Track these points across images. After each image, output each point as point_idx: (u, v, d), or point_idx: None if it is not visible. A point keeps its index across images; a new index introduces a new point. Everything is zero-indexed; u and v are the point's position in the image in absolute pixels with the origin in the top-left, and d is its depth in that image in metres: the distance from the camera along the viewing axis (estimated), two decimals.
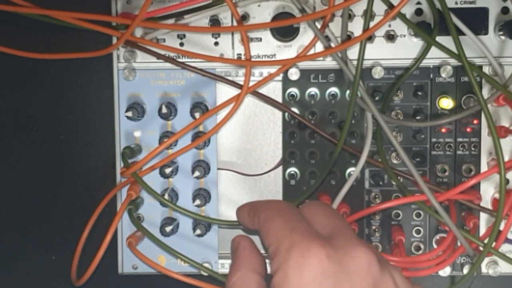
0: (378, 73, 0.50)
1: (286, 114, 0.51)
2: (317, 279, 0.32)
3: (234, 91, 0.51)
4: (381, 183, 0.52)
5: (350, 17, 0.50)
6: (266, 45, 0.51)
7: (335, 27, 0.50)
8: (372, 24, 0.48)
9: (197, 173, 0.51)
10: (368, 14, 0.47)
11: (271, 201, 0.40)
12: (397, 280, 0.35)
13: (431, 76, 0.51)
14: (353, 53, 0.49)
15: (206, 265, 0.52)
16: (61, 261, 0.54)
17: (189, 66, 0.50)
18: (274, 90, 0.52)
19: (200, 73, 0.50)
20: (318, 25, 0.49)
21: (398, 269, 0.38)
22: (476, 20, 0.50)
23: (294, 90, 0.51)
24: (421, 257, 0.50)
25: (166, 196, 0.51)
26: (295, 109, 0.51)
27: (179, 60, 0.51)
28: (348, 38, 0.49)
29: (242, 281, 0.38)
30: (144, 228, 0.50)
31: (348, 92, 0.50)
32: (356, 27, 0.50)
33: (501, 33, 0.50)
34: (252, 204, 0.40)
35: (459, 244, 0.49)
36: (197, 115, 0.50)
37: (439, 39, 0.49)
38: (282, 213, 0.37)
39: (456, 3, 0.50)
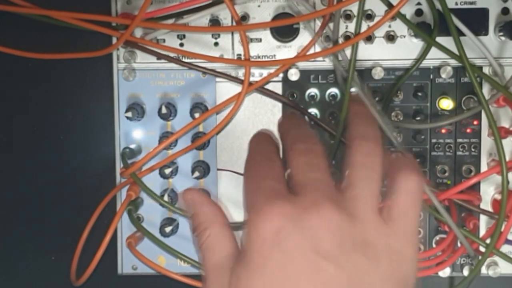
0: (378, 73, 0.50)
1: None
2: (271, 236, 0.33)
3: (234, 92, 0.51)
4: None
5: (350, 17, 0.50)
6: (266, 46, 0.51)
7: None
8: (371, 24, 0.48)
9: (197, 174, 0.51)
10: (360, 17, 0.47)
11: (254, 148, 0.41)
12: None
13: (431, 76, 0.51)
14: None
15: None
16: (61, 261, 0.54)
17: (190, 64, 0.50)
18: (274, 90, 0.51)
19: (202, 71, 0.51)
20: (319, 23, 0.49)
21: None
22: (476, 21, 0.50)
23: (294, 91, 0.51)
24: (419, 255, 0.50)
25: (166, 197, 0.51)
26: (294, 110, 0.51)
27: (182, 60, 0.51)
28: (347, 39, 0.50)
29: (214, 236, 0.38)
30: (144, 229, 0.50)
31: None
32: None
33: (501, 33, 0.50)
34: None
35: (459, 245, 0.49)
36: (197, 115, 0.50)
37: (439, 39, 0.49)
38: (255, 167, 0.39)
39: (456, 3, 0.50)
